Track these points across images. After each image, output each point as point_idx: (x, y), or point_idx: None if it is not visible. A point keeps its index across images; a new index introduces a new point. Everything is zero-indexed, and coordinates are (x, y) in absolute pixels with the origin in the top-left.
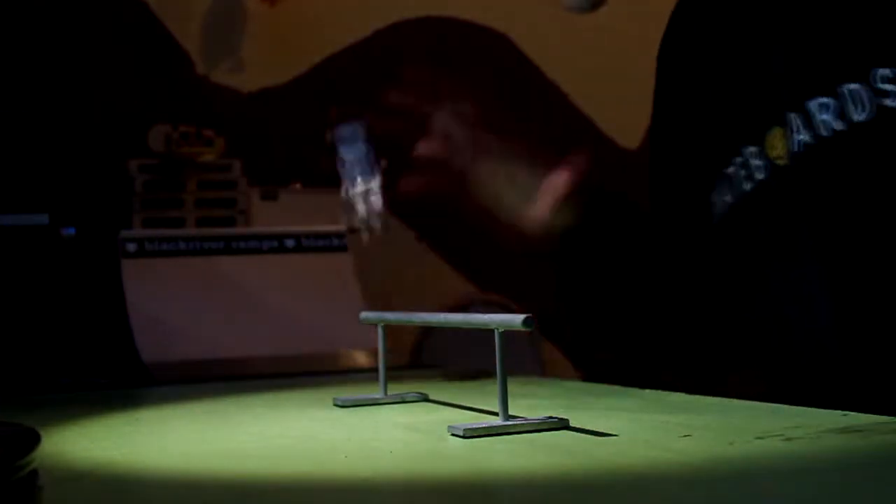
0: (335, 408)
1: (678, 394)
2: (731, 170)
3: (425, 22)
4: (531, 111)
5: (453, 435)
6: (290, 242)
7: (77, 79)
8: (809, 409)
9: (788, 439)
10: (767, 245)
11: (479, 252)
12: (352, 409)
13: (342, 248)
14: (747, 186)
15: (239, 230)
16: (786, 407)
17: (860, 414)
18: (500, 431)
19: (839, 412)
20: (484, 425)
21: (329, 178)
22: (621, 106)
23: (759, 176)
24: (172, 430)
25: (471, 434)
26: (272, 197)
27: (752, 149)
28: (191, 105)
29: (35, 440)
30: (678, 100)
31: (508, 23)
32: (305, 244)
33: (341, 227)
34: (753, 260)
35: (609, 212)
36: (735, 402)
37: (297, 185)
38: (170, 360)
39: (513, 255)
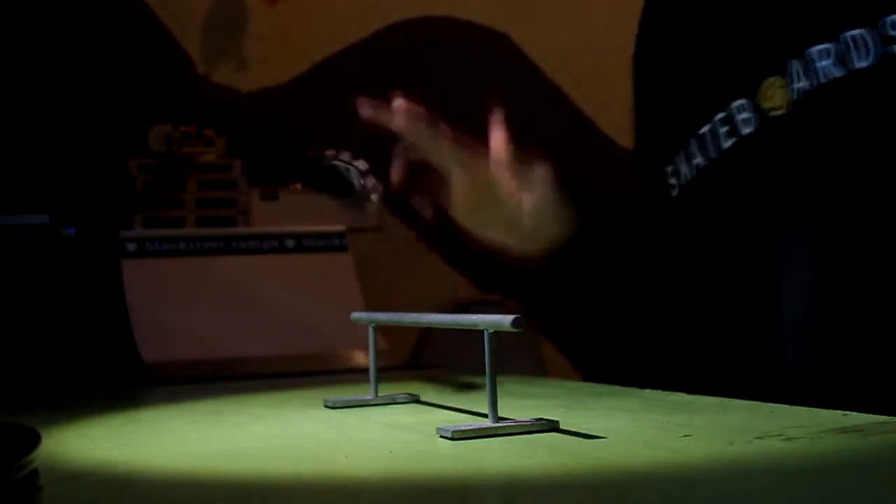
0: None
1: (678, 394)
2: (705, 129)
3: (425, 22)
4: (531, 111)
5: (442, 437)
6: (290, 242)
7: (77, 79)
8: (809, 409)
9: (788, 439)
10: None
11: (480, 252)
12: (346, 410)
13: (342, 248)
14: (727, 143)
15: (239, 230)
16: (786, 407)
17: (860, 414)
18: (488, 433)
19: (839, 412)
20: (473, 427)
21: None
22: (621, 106)
23: (747, 130)
24: (172, 430)
25: (460, 436)
26: (272, 197)
27: (740, 102)
28: (191, 105)
29: (35, 440)
30: (661, 59)
31: (508, 23)
32: (305, 244)
33: (341, 227)
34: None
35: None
36: (735, 401)
37: (297, 186)
38: (170, 360)
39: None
